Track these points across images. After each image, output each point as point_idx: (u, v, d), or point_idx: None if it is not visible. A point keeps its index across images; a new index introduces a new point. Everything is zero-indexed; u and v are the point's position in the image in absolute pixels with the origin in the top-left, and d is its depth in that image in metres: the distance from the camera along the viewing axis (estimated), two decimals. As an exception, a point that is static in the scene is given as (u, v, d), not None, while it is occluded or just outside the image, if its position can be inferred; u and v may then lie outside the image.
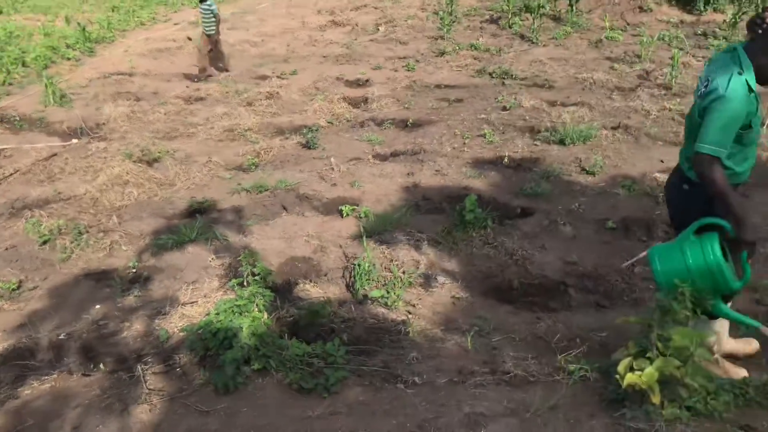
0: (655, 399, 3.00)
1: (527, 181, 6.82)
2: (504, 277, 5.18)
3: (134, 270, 5.30)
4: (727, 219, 3.17)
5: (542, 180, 6.86)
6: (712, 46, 12.36)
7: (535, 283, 5.15)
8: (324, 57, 12.87)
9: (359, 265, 4.87)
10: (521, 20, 14.28)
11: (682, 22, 14.31)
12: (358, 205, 6.22)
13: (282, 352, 3.69)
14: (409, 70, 11.41)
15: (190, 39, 14.20)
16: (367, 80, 10.97)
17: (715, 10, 14.56)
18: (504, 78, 10.76)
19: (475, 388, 3.43)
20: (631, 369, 3.07)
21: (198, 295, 4.72)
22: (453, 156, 7.52)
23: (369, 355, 3.90)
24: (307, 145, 7.93)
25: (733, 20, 13.32)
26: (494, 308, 4.73)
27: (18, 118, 9.64)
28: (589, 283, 5.09)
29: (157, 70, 12.72)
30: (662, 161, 7.38)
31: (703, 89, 3.20)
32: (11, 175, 7.50)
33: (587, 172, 7.09)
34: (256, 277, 4.50)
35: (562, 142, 7.80)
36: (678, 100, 9.58)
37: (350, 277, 4.93)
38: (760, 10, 3.42)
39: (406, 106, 9.50)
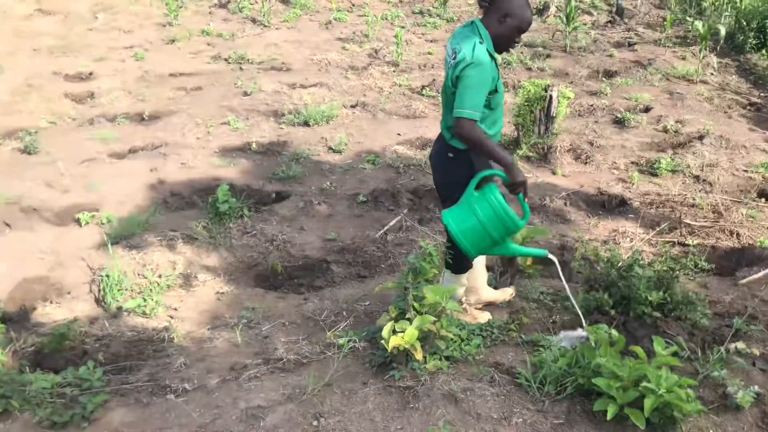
0: (418, 355, 3.21)
1: (278, 165, 6.83)
2: (267, 264, 5.15)
3: None
4: (503, 168, 3.46)
5: (293, 162, 6.92)
6: (429, 23, 13.45)
7: (299, 264, 5.21)
8: (34, 50, 11.46)
9: (107, 275, 4.47)
10: (250, 4, 14.14)
11: (401, 1, 15.35)
12: (98, 211, 5.68)
13: (25, 388, 3.24)
14: (138, 60, 10.67)
15: None
16: (90, 73, 10.01)
17: (428, -11, 15.84)
18: (241, 63, 10.59)
19: (250, 381, 3.36)
20: (395, 332, 3.25)
21: None
22: (198, 146, 7.24)
23: (131, 371, 3.62)
24: (27, 151, 7.01)
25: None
26: (261, 297, 4.69)
27: None
28: (349, 257, 5.28)
29: None
30: (399, 134, 7.89)
31: (452, 61, 3.43)
32: None
33: (334, 151, 7.32)
34: (-21, 312, 3.89)
35: (306, 124, 7.94)
36: (406, 76, 10.30)
37: (99, 290, 4.51)
38: None
39: (140, 98, 8.89)
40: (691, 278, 4.98)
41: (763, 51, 12.09)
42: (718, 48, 12.08)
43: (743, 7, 12.96)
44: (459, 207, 3.48)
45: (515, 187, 3.48)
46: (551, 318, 3.97)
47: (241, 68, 10.36)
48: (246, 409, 3.11)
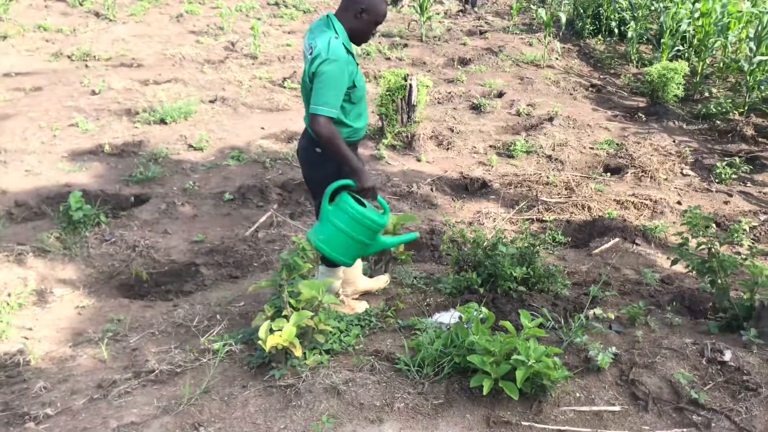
0: (298, 352, 3.17)
1: (135, 167, 6.48)
2: (131, 272, 4.86)
3: None
4: (350, 174, 3.47)
5: (150, 163, 6.59)
6: (285, 15, 13.29)
7: (165, 270, 4.97)
8: None
9: (-53, 299, 4.03)
10: (93, -4, 13.28)
11: (255, -7, 15.04)
12: (-70, 229, 5.12)
13: None
14: (-36, 60, 9.70)
15: None
16: None
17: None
18: (86, 60, 9.92)
19: (120, 398, 3.16)
20: (272, 331, 3.17)
21: None
22: (44, 152, 6.69)
23: (-18, 403, 3.28)
24: None
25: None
26: (126, 307, 4.42)
27: None
28: (219, 258, 5.10)
29: None
30: (263, 128, 7.74)
31: (309, 56, 3.38)
32: None
33: (195, 149, 7.05)
34: None
35: (163, 122, 7.58)
36: (265, 68, 10.12)
37: (-62, 316, 4.05)
38: None
39: (-29, 102, 8.09)
40: (551, 252, 5.30)
41: (599, 36, 13.07)
42: (561, 34, 12.91)
43: (579, -5, 13.94)
44: (320, 224, 3.50)
45: (365, 193, 3.52)
46: (425, 301, 4.07)
47: (86, 65, 9.70)
48: (118, 427, 2.92)
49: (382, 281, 4.29)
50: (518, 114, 8.94)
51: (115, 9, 12.41)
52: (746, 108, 9.25)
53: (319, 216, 3.52)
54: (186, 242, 5.26)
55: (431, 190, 6.51)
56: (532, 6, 14.75)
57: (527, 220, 6.04)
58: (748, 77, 9.37)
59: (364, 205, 3.51)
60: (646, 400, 3.04)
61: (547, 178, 6.83)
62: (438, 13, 14.01)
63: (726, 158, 7.67)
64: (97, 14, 12.34)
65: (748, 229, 5.85)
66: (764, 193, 6.97)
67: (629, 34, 11.79)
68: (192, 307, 4.29)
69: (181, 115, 7.70)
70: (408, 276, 4.44)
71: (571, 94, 10.02)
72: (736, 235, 4.00)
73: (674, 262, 4.06)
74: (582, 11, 13.42)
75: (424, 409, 2.95)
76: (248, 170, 6.58)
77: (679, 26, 11.02)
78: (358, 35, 3.51)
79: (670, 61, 10.55)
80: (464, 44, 12.18)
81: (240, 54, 10.80)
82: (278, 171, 6.60)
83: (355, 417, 2.89)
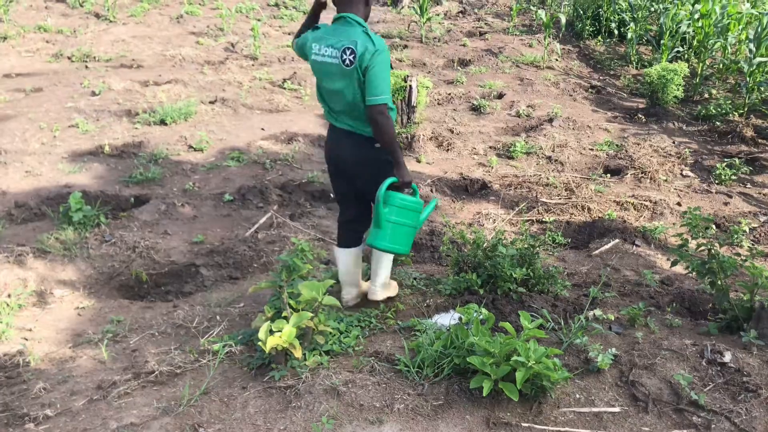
0: (298, 353, 3.17)
1: (135, 168, 6.48)
2: (131, 273, 4.86)
3: None
4: (393, 168, 3.58)
5: (150, 164, 6.59)
6: (285, 15, 13.30)
7: (165, 270, 4.96)
8: None
9: (-53, 300, 4.03)
10: (93, -3, 13.29)
11: (255, -6, 15.05)
12: (-70, 230, 5.12)
13: None
14: (-35, 61, 9.71)
15: None
16: None
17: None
18: (86, 61, 9.92)
19: (120, 399, 3.16)
20: (272, 332, 3.18)
21: None
22: (44, 153, 6.69)
23: (-18, 403, 3.28)
24: None
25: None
26: (126, 308, 4.42)
27: None
28: (219, 259, 5.10)
29: None
30: (263, 129, 7.74)
31: (351, 57, 3.35)
32: None
33: (195, 149, 7.05)
34: None
35: (163, 122, 7.58)
36: (265, 69, 10.12)
37: (-63, 317, 4.05)
38: None
39: (-29, 103, 8.09)
40: (550, 253, 5.30)
41: (599, 37, 13.08)
42: (561, 35, 12.91)
43: (579, -3, 13.95)
44: (380, 228, 3.57)
45: (403, 187, 3.63)
46: (425, 302, 4.07)
47: (86, 66, 9.70)
48: (117, 428, 2.93)
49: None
50: (518, 115, 8.94)
51: (115, 10, 12.42)
52: (746, 109, 9.25)
53: (375, 219, 3.59)
54: (186, 243, 5.26)
55: (431, 191, 6.51)
56: (531, 7, 14.75)
57: (527, 221, 6.04)
58: (747, 78, 9.37)
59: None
60: (646, 401, 3.04)
61: (547, 179, 6.83)
62: (438, 15, 14.02)
63: (726, 159, 7.67)
64: (97, 15, 12.35)
65: (747, 231, 5.85)
66: (764, 195, 6.97)
67: (629, 36, 11.79)
68: (192, 308, 4.29)
69: (181, 116, 7.70)
70: (408, 277, 4.44)
71: (570, 96, 10.02)
72: (735, 236, 4.00)
73: (674, 263, 4.06)
74: (582, 12, 13.42)
75: (423, 411, 2.95)
76: (248, 171, 6.58)
77: (679, 27, 11.02)
78: (367, 21, 3.57)
79: (670, 62, 10.55)
80: (464, 45, 12.18)
81: (240, 55, 10.80)
82: (278, 172, 6.60)
83: (355, 418, 2.89)
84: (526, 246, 4.23)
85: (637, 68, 11.61)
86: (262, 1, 14.27)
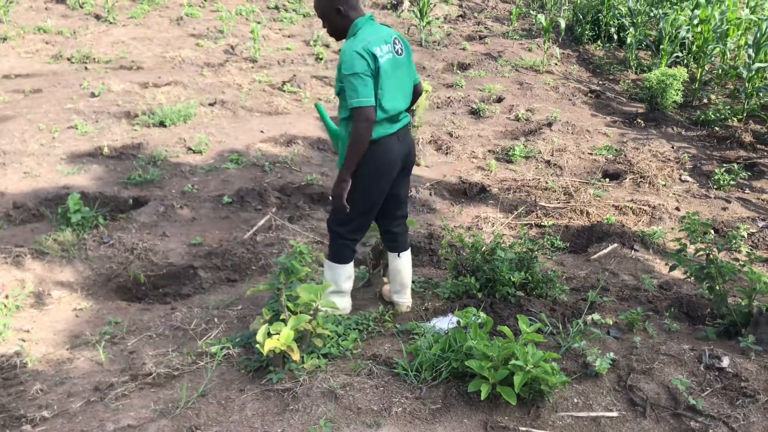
0: (295, 356, 3.16)
1: (134, 169, 6.47)
2: (129, 275, 4.86)
3: None
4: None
5: (149, 166, 6.59)
6: (285, 18, 13.30)
7: (164, 272, 4.96)
8: None
9: (-56, 301, 4.02)
10: (93, -1, 13.29)
11: (255, -4, 15.05)
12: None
13: None
14: (-35, 61, 9.70)
15: None
16: None
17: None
18: (86, 62, 9.92)
19: (117, 400, 3.15)
20: (270, 334, 3.17)
21: None
22: (42, 154, 6.69)
23: (-21, 404, 3.27)
24: None
25: (299, -6, 14.53)
26: (124, 310, 4.42)
27: None
28: (217, 261, 5.10)
29: None
30: (262, 131, 7.74)
31: (400, 47, 3.42)
32: None
33: (194, 151, 7.05)
34: None
35: (162, 124, 7.58)
36: (265, 71, 10.13)
37: (-65, 318, 4.04)
38: None
39: (-30, 103, 8.09)
40: (549, 257, 5.30)
41: (598, 42, 13.10)
42: (560, 40, 12.93)
43: (579, 1, 13.95)
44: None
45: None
46: (424, 306, 4.06)
47: (86, 68, 9.70)
48: (114, 430, 2.92)
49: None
50: (517, 119, 8.95)
51: (115, 11, 12.42)
52: (745, 114, 9.27)
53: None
54: (184, 245, 5.26)
55: (430, 194, 6.51)
56: (531, 12, 14.77)
57: (526, 225, 6.04)
58: (746, 84, 9.39)
59: None
60: (643, 406, 3.03)
61: (546, 183, 6.83)
62: (437, 18, 14.04)
63: (724, 164, 7.68)
64: (97, 17, 12.35)
65: (746, 236, 5.85)
66: (762, 200, 6.98)
67: (628, 40, 11.81)
68: (190, 310, 4.28)
69: (180, 118, 7.70)
70: (406, 280, 4.43)
71: (570, 100, 10.03)
72: (734, 241, 4.00)
73: (672, 268, 4.06)
74: (581, 17, 13.44)
75: (421, 414, 2.94)
76: (247, 173, 6.58)
77: (678, 33, 11.05)
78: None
79: (669, 67, 10.57)
80: (464, 49, 12.19)
81: (240, 57, 10.81)
82: (277, 174, 6.60)
83: (353, 421, 2.89)
84: (524, 250, 4.23)
85: (636, 73, 11.63)
86: (262, 4, 14.28)
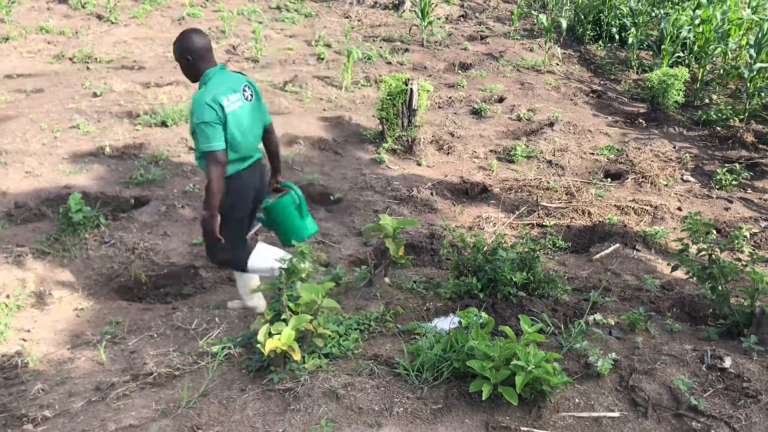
0: (297, 356, 3.16)
1: (135, 169, 6.47)
2: (130, 274, 4.86)
3: None
4: None
5: (151, 165, 6.59)
6: (287, 18, 13.31)
7: (165, 272, 4.96)
8: None
9: (-55, 300, 4.03)
10: (95, -1, 13.30)
11: (257, -4, 15.06)
12: (-71, 230, 5.11)
13: None
14: (-34, 61, 9.70)
15: None
16: None
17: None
18: (87, 62, 9.92)
19: (119, 400, 3.15)
20: (271, 334, 3.17)
21: None
22: (44, 153, 6.69)
23: (-20, 404, 3.27)
24: None
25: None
26: (125, 309, 4.42)
27: None
28: (217, 261, 5.09)
29: None
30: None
31: (252, 95, 3.84)
32: None
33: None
34: None
35: (164, 124, 7.58)
36: (267, 72, 10.12)
37: (-64, 317, 4.05)
38: None
39: (-29, 103, 8.09)
40: (551, 257, 5.30)
41: (600, 42, 13.09)
42: (561, 40, 12.92)
43: (580, 1, 13.95)
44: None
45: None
46: (425, 306, 4.06)
47: (88, 68, 9.70)
48: (116, 430, 2.92)
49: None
50: (519, 119, 8.95)
51: (117, 11, 12.43)
52: (746, 115, 9.26)
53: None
54: (185, 245, 5.26)
55: (431, 194, 6.50)
56: (533, 12, 14.76)
57: (527, 225, 6.03)
58: (748, 84, 9.38)
59: None
60: (645, 406, 3.03)
61: (548, 183, 6.83)
62: (439, 18, 14.03)
63: (726, 164, 7.67)
64: (99, 17, 12.36)
65: (748, 236, 5.84)
66: (764, 200, 6.97)
67: (630, 40, 11.80)
68: (191, 310, 4.28)
69: (182, 118, 7.70)
70: (407, 280, 4.43)
71: (571, 100, 10.02)
72: (736, 241, 4.00)
73: (674, 268, 4.06)
74: (583, 17, 13.44)
75: (423, 414, 2.94)
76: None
77: (680, 33, 11.03)
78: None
79: (671, 67, 10.55)
80: (465, 49, 12.19)
81: (241, 57, 10.80)
82: (278, 174, 6.59)
83: (354, 421, 2.88)
84: (526, 250, 4.23)
85: (637, 73, 11.62)
86: (263, 4, 14.28)
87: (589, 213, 6.23)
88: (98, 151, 6.86)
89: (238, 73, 3.87)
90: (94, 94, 8.47)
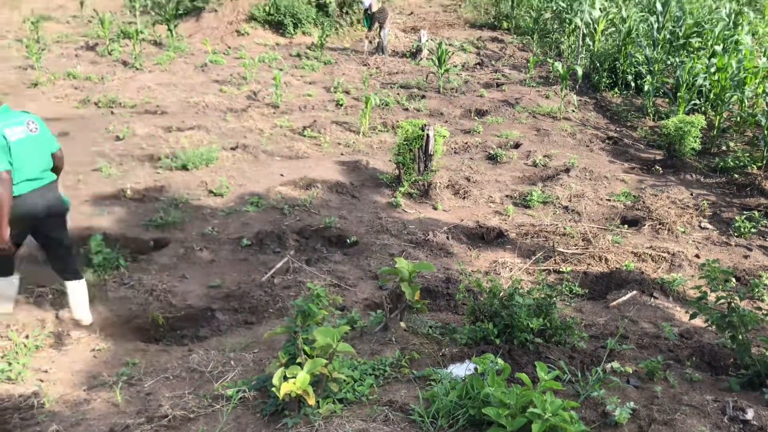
0: (311, 401, 3.14)
1: (155, 212, 6.57)
2: (147, 316, 4.89)
3: None
4: None
5: (171, 208, 6.69)
6: (306, 66, 13.60)
7: (182, 314, 4.99)
8: None
9: (-35, 340, 4.08)
10: (120, 46, 13.70)
11: (277, 44, 15.45)
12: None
13: None
14: (-4, 106, 9.98)
15: None
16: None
17: (303, 33, 16.09)
18: (112, 107, 10.18)
19: (133, 443, 3.16)
20: (286, 378, 3.16)
21: None
22: (68, 195, 6.79)
23: (-4, 446, 3.29)
24: None
25: (320, 42, 14.86)
26: (142, 351, 4.44)
27: None
28: (234, 303, 5.12)
29: None
30: (282, 175, 7.85)
31: (37, 127, 4.35)
32: None
33: (215, 194, 7.15)
34: None
35: (185, 168, 7.72)
36: (286, 117, 10.32)
37: (-45, 357, 4.09)
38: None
39: None
40: (567, 303, 5.26)
41: (615, 89, 13.20)
42: (577, 87, 13.05)
43: (596, 49, 14.12)
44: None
45: None
46: (441, 351, 4.04)
47: (112, 112, 9.96)
48: (129, 473, 2.91)
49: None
50: (534, 165, 8.99)
51: (142, 58, 12.79)
52: (764, 162, 9.23)
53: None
54: (203, 287, 5.30)
55: (447, 238, 6.52)
56: (548, 60, 14.95)
57: (544, 270, 6.01)
58: (765, 131, 9.37)
59: None
60: (665, 457, 2.96)
61: (564, 228, 6.82)
62: (455, 66, 14.27)
63: (745, 212, 7.62)
64: (124, 63, 12.72)
65: (768, 284, 5.77)
66: (784, 248, 6.90)
67: (645, 88, 11.89)
68: (207, 352, 4.29)
69: (202, 162, 7.84)
70: (423, 325, 4.41)
71: (587, 146, 10.07)
72: (756, 289, 3.96)
73: (693, 316, 4.01)
74: (598, 65, 13.59)
75: (438, 462, 2.90)
76: (267, 216, 6.65)
77: (696, 80, 11.11)
78: None
79: (687, 114, 10.59)
80: (481, 96, 12.35)
81: (262, 103, 11.03)
82: (296, 217, 6.67)
83: (368, 468, 2.85)
84: (542, 296, 4.21)
85: (653, 120, 11.67)
86: (284, 52, 14.64)
87: (606, 259, 6.20)
88: (119, 193, 6.99)
89: (24, 111, 4.49)
90: (117, 138, 8.67)
